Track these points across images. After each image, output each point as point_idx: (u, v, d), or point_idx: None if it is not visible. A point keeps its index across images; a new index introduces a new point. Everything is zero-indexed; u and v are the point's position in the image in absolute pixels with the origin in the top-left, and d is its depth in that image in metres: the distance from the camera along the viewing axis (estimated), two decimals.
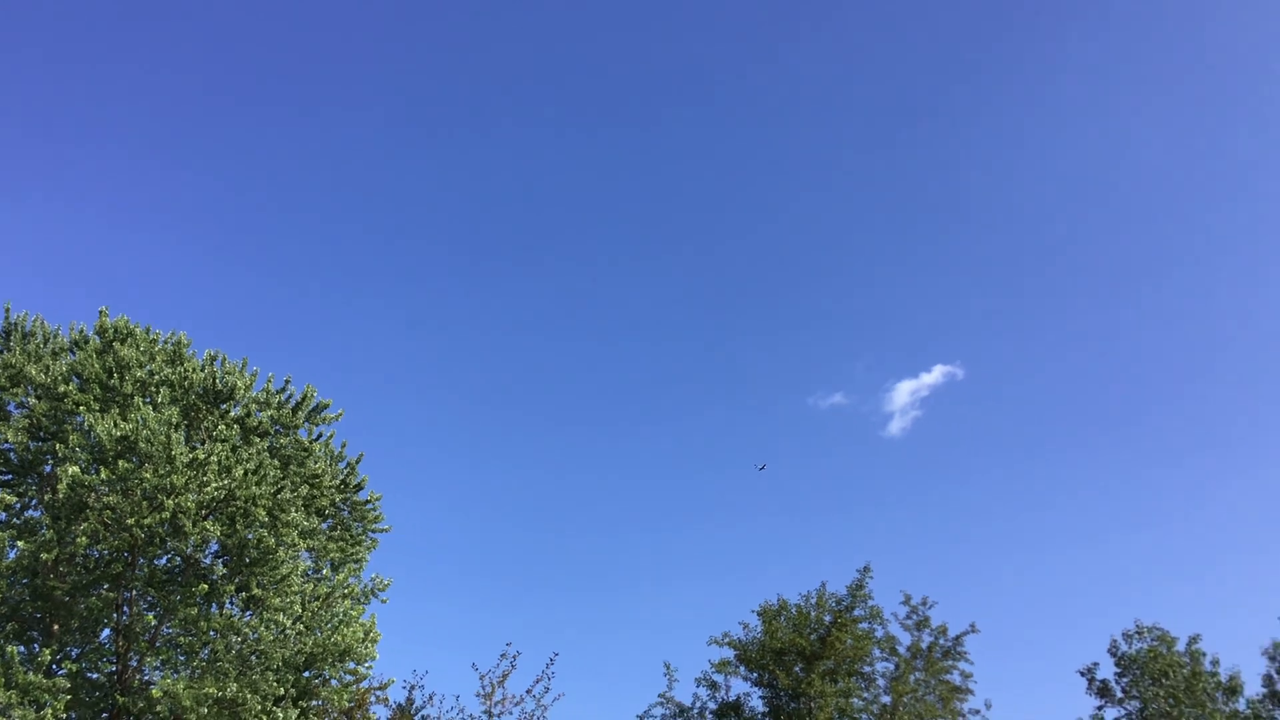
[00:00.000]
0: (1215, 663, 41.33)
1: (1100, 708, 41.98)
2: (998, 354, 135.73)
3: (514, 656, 33.34)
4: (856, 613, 40.21)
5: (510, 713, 32.24)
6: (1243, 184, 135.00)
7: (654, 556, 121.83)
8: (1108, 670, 42.25)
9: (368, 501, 36.73)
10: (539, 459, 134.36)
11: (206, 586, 29.04)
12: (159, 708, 27.27)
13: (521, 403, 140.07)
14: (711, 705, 40.42)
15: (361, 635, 31.33)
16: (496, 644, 49.15)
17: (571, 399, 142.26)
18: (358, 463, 36.40)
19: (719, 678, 40.55)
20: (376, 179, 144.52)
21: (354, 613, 31.97)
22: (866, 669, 40.44)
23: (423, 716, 34.76)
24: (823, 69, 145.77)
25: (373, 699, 34.46)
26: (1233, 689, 40.83)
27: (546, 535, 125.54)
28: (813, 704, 37.86)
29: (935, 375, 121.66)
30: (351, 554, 35.44)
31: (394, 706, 35.25)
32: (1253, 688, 41.12)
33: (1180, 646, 41.47)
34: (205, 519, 28.98)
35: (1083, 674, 42.74)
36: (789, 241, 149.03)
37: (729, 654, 40.55)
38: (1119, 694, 41.33)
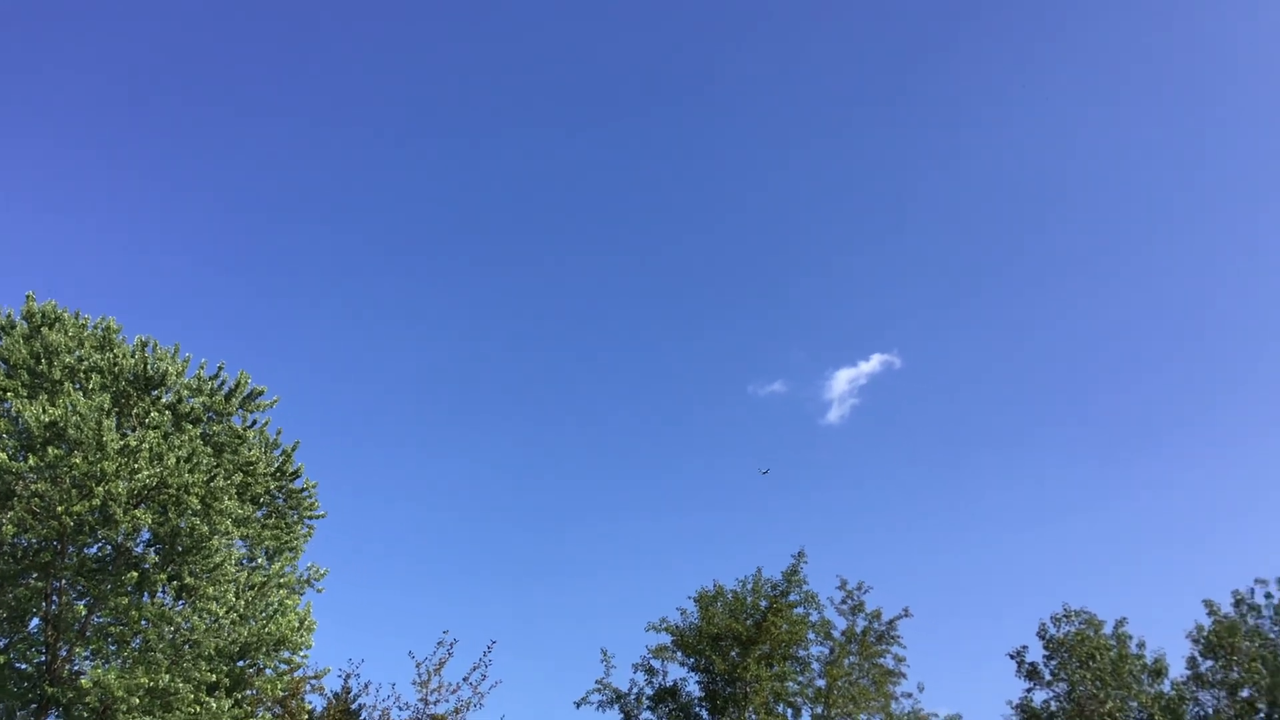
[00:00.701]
0: (1141, 645, 42.14)
1: (1029, 690, 42.61)
2: (935, 344, 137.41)
3: (451, 644, 33.25)
4: (792, 598, 40.57)
5: (447, 700, 32.14)
6: (1182, 180, 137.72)
7: (595, 544, 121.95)
8: (1037, 653, 42.93)
9: (304, 489, 36.42)
10: (479, 449, 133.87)
11: (138, 575, 28.66)
12: (89, 698, 26.91)
13: (462, 393, 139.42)
14: (648, 690, 40.63)
15: (297, 624, 31.13)
16: (434, 633, 49.07)
17: (511, 390, 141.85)
18: (294, 450, 36.10)
19: (656, 663, 40.80)
20: (321, 171, 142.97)
21: (289, 602, 31.74)
22: (801, 653, 40.84)
23: (359, 705, 34.58)
24: (763, 67, 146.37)
25: (308, 688, 34.22)
26: (1158, 671, 41.64)
27: (485, 524, 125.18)
28: (748, 688, 38.18)
29: (873, 364, 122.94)
30: (287, 542, 35.15)
31: (329, 695, 35.04)
32: (1177, 670, 42.08)
33: (1107, 630, 42.23)
34: (136, 507, 28.58)
35: (1012, 657, 43.35)
36: (731, 232, 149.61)
37: (666, 640, 40.77)
38: (1047, 676, 41.99)
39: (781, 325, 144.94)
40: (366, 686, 34.33)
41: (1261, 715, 39.55)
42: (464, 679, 32.74)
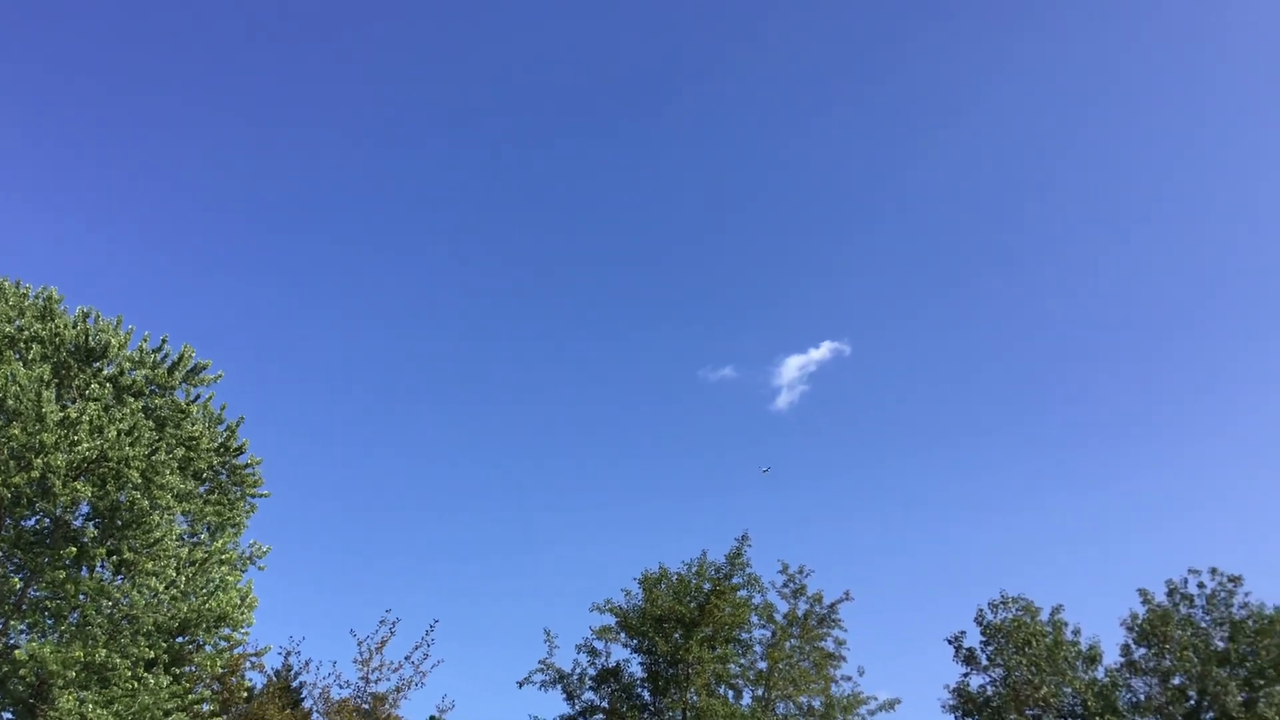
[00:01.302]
0: (1076, 632, 42.89)
1: (966, 674, 43.22)
2: (885, 333, 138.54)
3: (393, 624, 33.22)
4: (735, 580, 40.85)
5: (388, 679, 32.11)
6: (1122, 178, 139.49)
7: (541, 527, 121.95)
8: (975, 639, 43.53)
9: (247, 465, 36.04)
10: (426, 431, 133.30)
11: (76, 549, 28.28)
12: (24, 671, 26.53)
13: (409, 375, 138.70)
14: (591, 671, 40.80)
15: (238, 601, 30.87)
16: (378, 612, 48.86)
17: (459, 373, 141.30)
18: (237, 426, 35.70)
19: (600, 644, 40.99)
20: (262, 150, 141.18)
21: (230, 578, 31.45)
22: (744, 635, 41.15)
23: (299, 683, 34.42)
24: (719, 61, 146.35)
25: (247, 665, 34.02)
26: (1092, 658, 42.38)
27: (431, 506, 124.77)
28: (690, 670, 38.43)
29: (823, 351, 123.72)
30: (229, 518, 34.77)
31: (269, 673, 34.84)
32: (1111, 657, 42.84)
33: (1044, 617, 42.92)
34: (76, 479, 28.18)
35: (950, 642, 43.96)
36: (684, 218, 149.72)
37: (610, 621, 40.94)
38: (984, 661, 42.60)
39: (733, 311, 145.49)
40: (307, 664, 34.28)
41: (1192, 702, 40.39)
42: (406, 658, 32.77)
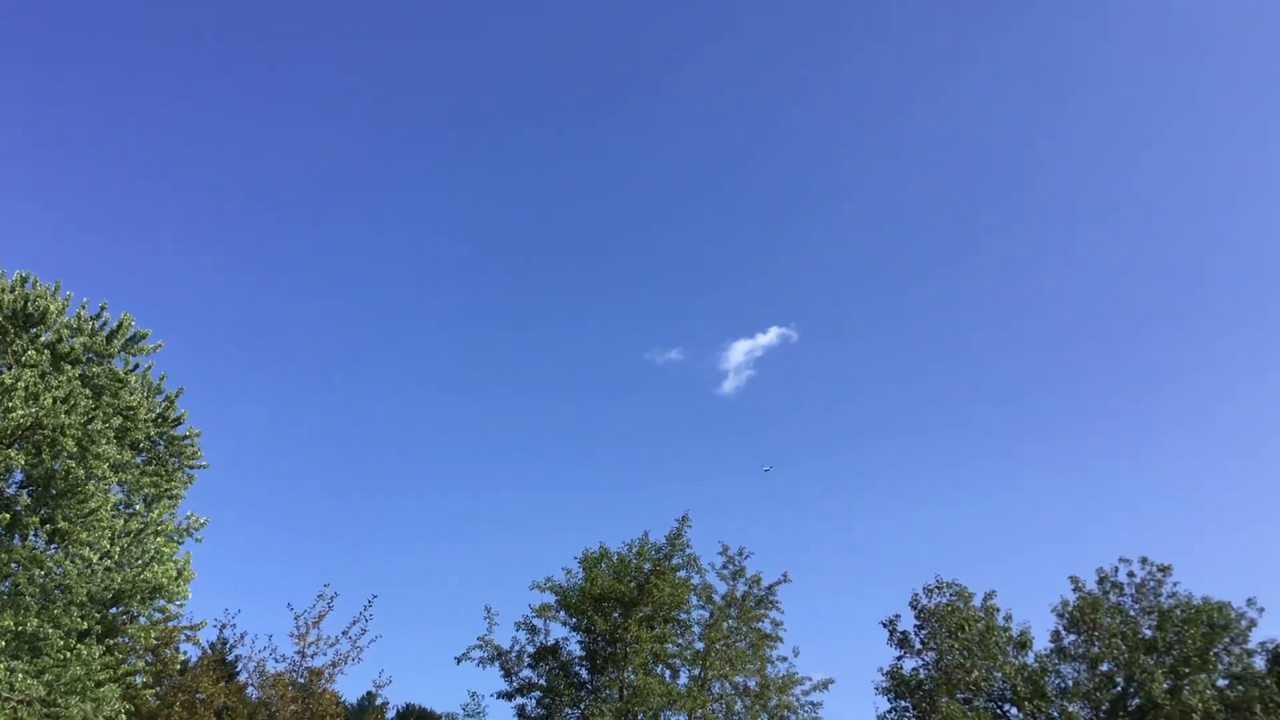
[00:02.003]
0: (1008, 618, 43.57)
1: (899, 658, 43.79)
2: (832, 320, 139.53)
3: (331, 598, 33.07)
4: (675, 561, 41.04)
5: (325, 653, 31.97)
6: (1079, 172, 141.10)
7: (484, 505, 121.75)
8: (909, 622, 44.08)
9: (186, 437, 35.63)
10: (369, 409, 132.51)
11: (9, 517, 27.85)
12: None
13: (350, 353, 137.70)
14: (530, 648, 40.88)
15: (174, 573, 30.56)
16: (316, 587, 48.54)
17: (401, 350, 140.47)
18: (176, 396, 35.25)
19: (539, 622, 41.05)
20: (206, 125, 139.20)
21: (166, 550, 31.11)
22: (682, 616, 41.39)
23: (235, 656, 34.21)
24: (677, 44, 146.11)
25: (182, 638, 33.72)
26: (1023, 643, 43.09)
27: (373, 483, 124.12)
28: (628, 649, 38.61)
29: (771, 336, 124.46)
30: (166, 490, 34.34)
31: (204, 646, 34.56)
32: (1041, 642, 43.59)
33: (977, 602, 43.55)
34: (10, 447, 27.76)
35: (885, 625, 44.50)
36: (635, 201, 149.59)
37: (550, 599, 41.02)
38: (917, 645, 43.18)
39: (681, 294, 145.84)
40: (243, 637, 34.06)
41: (1118, 689, 41.20)
42: (343, 633, 32.63)
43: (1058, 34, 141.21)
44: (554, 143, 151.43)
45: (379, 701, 35.93)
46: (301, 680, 30.96)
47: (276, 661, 31.79)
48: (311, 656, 31.39)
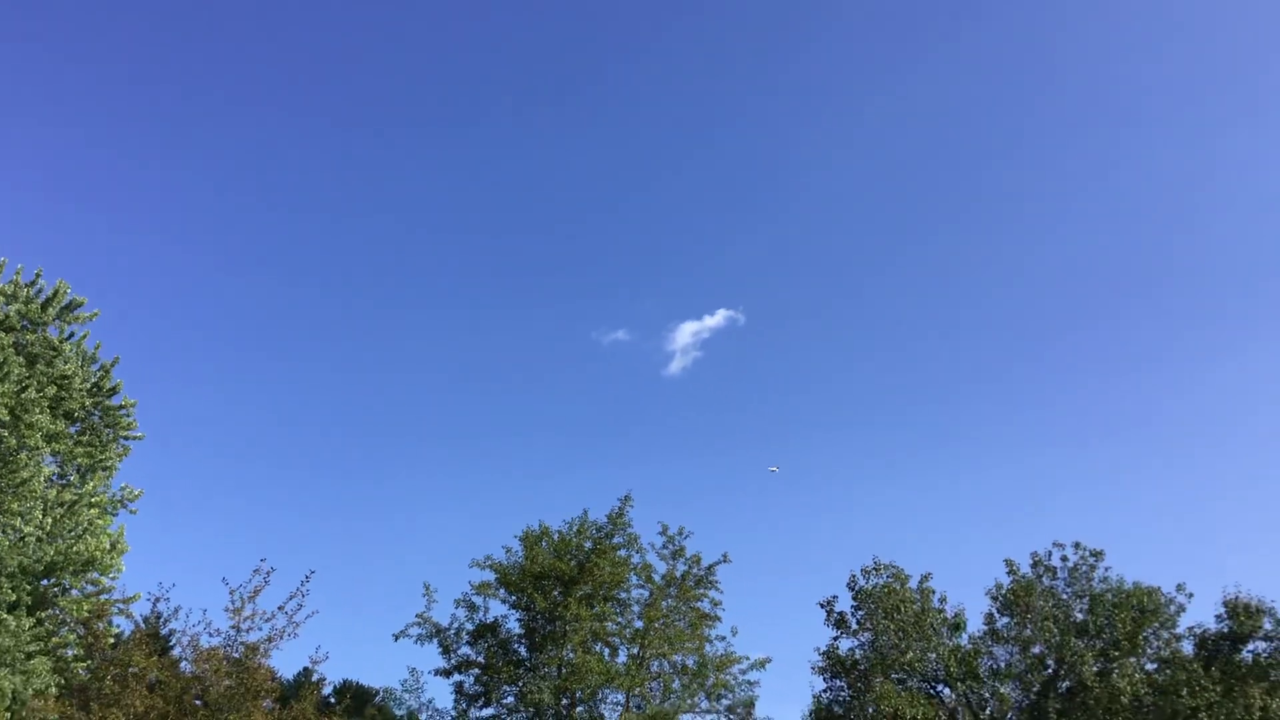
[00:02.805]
0: (943, 600, 44.05)
1: (836, 638, 44.15)
2: (779, 303, 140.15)
3: (268, 573, 32.54)
4: (616, 540, 41.12)
5: (260, 629, 31.55)
6: (1017, 158, 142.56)
7: (425, 482, 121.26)
8: (846, 603, 44.44)
9: (121, 407, 35.14)
10: (316, 380, 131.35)
11: None
12: None
13: (290, 324, 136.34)
14: (469, 626, 40.81)
15: (108, 546, 30.23)
16: (253, 562, 48.06)
17: (349, 323, 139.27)
18: (112, 366, 34.79)
19: (478, 599, 40.98)
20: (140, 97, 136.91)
21: (100, 522, 30.78)
22: (622, 595, 41.51)
23: (169, 630, 33.79)
24: (628, 33, 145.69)
25: (115, 611, 33.26)
26: (957, 625, 43.60)
27: (313, 457, 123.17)
28: (568, 627, 38.67)
29: (718, 318, 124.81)
30: (101, 461, 33.91)
31: (137, 619, 34.10)
32: (975, 624, 44.16)
33: (913, 584, 43.99)
34: None
35: (822, 606, 44.78)
36: (585, 179, 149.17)
37: (490, 577, 40.94)
38: (854, 626, 43.55)
39: (629, 275, 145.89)
40: (176, 611, 33.51)
41: (1049, 671, 41.90)
42: (280, 608, 32.18)
43: (1013, 24, 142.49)
44: (502, 123, 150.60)
45: (315, 678, 35.55)
46: (237, 655, 30.58)
47: (211, 636, 31.33)
48: (247, 631, 30.97)
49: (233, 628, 31.31)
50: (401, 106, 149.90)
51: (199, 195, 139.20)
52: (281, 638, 31.50)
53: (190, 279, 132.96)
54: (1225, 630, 42.54)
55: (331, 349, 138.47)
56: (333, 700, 43.07)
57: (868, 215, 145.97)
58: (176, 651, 32.99)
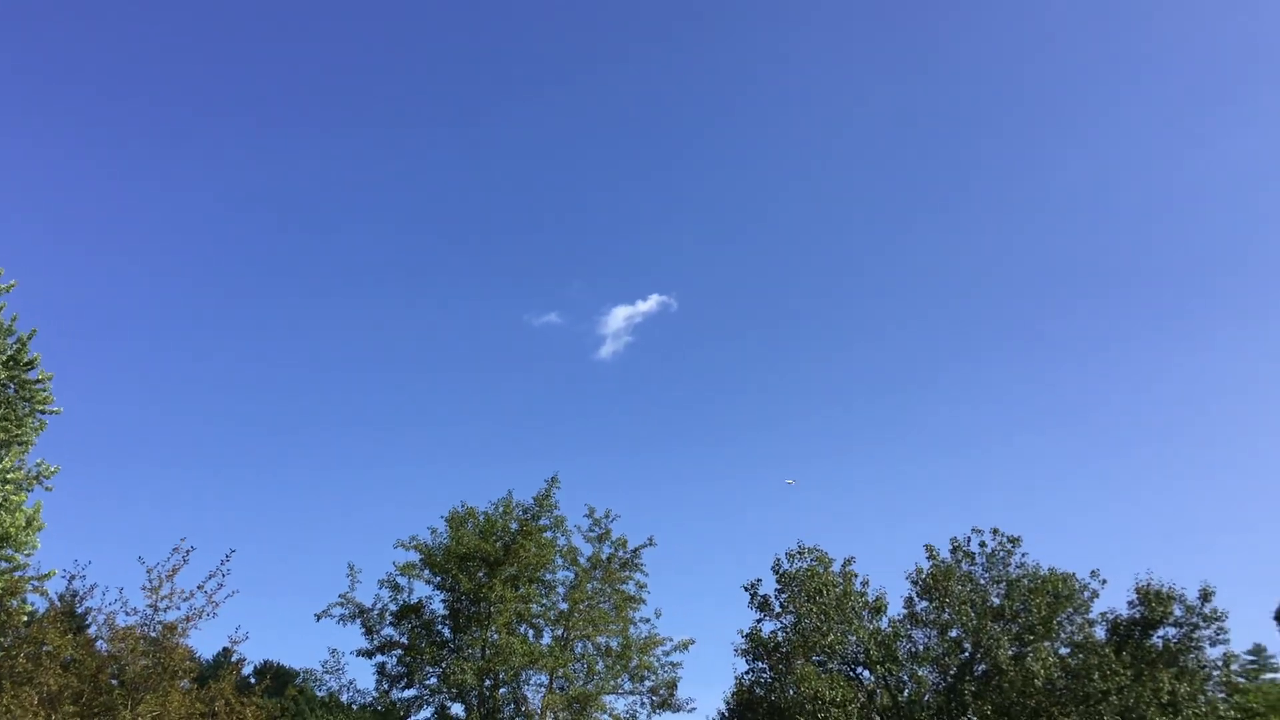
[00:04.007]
0: (865, 584, 44.66)
1: (759, 620, 44.58)
2: (711, 290, 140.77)
3: (187, 552, 32.16)
4: (542, 522, 41.17)
5: (178, 608, 31.18)
6: (935, 143, 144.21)
7: (356, 463, 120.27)
8: (771, 586, 44.82)
9: (38, 380, 34.37)
10: (243, 361, 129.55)
11: None
12: None
13: (221, 306, 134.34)
14: (392, 607, 40.68)
15: (23, 522, 29.63)
16: (172, 541, 47.40)
17: (265, 292, 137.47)
18: (29, 339, 33.95)
19: (403, 580, 40.87)
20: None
21: (16, 498, 30.13)
22: (548, 576, 41.63)
23: (85, 609, 33.25)
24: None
25: (29, 588, 32.63)
26: (878, 608, 44.24)
27: (240, 436, 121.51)
28: (492, 608, 38.67)
29: (651, 304, 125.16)
30: (16, 435, 33.16)
31: (53, 598, 33.49)
32: (896, 608, 44.84)
33: (836, 568, 44.51)
34: None
35: (747, 589, 45.16)
36: (519, 161, 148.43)
37: (415, 558, 40.82)
38: (778, 608, 44.01)
39: (562, 258, 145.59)
40: (93, 589, 32.97)
41: (966, 654, 42.65)
42: (199, 587, 31.82)
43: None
44: (435, 107, 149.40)
45: (235, 658, 35.20)
46: (154, 634, 30.20)
47: (128, 615, 30.90)
48: (164, 611, 30.59)
49: (150, 607, 30.93)
50: (334, 93, 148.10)
51: (114, 181, 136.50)
52: (200, 617, 31.17)
53: (110, 256, 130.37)
54: (1137, 616, 43.57)
55: (257, 331, 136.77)
56: (253, 681, 42.78)
57: (802, 205, 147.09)
58: (93, 630, 32.53)
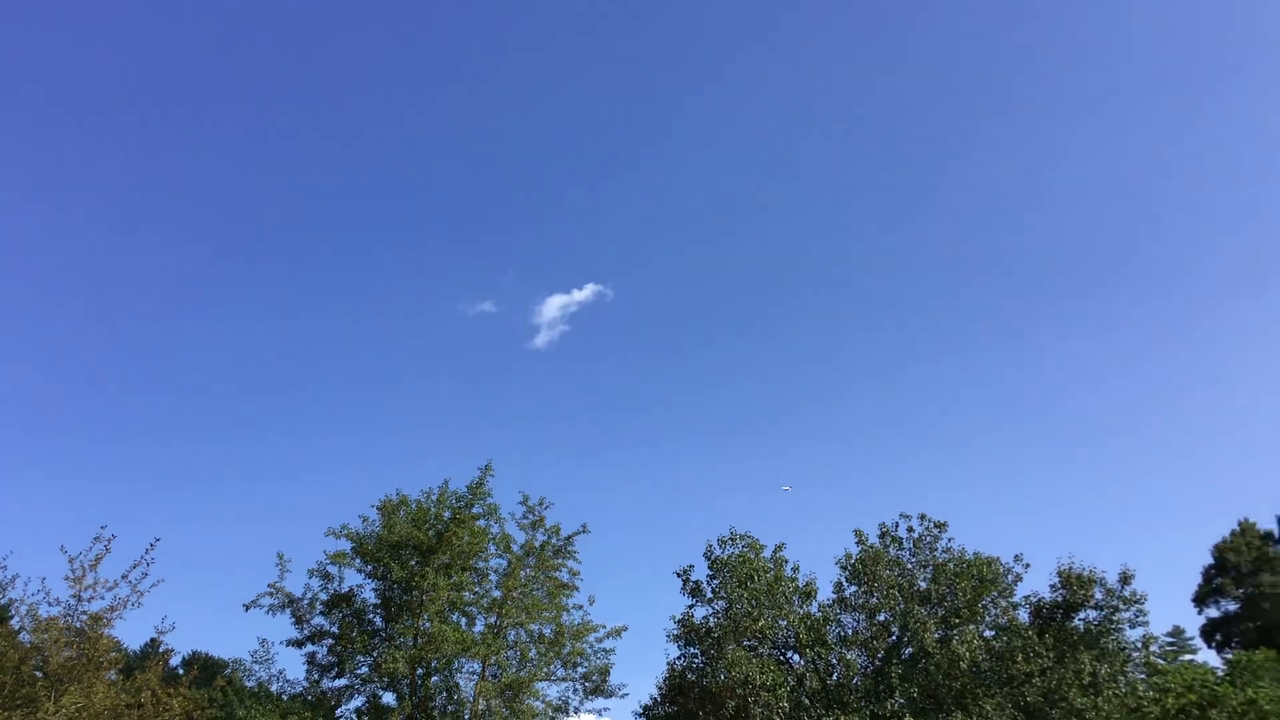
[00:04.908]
0: (795, 569, 45.09)
1: (691, 606, 44.86)
2: (647, 280, 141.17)
3: (109, 540, 31.74)
4: (475, 510, 41.11)
5: (102, 598, 30.81)
6: (881, 127, 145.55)
7: (285, 452, 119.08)
8: (703, 572, 45.12)
9: None
10: (173, 344, 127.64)
11: None
12: None
13: (151, 289, 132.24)
14: (323, 596, 40.46)
15: None
16: (94, 530, 46.71)
17: (208, 284, 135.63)
18: None
19: (334, 569, 40.62)
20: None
21: None
22: (481, 564, 41.60)
23: (6, 600, 32.71)
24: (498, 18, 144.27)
25: None
26: (808, 593, 44.68)
27: (165, 423, 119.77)
28: (425, 596, 38.62)
29: (586, 293, 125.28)
30: None
31: None
32: (825, 593, 45.32)
33: (767, 554, 44.91)
34: None
35: (679, 575, 45.42)
36: (453, 148, 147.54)
37: (346, 546, 40.62)
38: (709, 594, 44.32)
39: (496, 246, 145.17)
40: (14, 580, 32.45)
41: (894, 638, 43.27)
42: (123, 576, 31.45)
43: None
44: (366, 87, 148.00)
45: (162, 648, 34.91)
46: (79, 625, 29.82)
47: (51, 605, 30.48)
48: (88, 600, 30.22)
49: (73, 597, 30.58)
50: (259, 81, 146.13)
51: (65, 154, 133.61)
52: (125, 607, 30.87)
53: (22, 225, 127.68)
54: (1059, 599, 44.39)
55: (183, 316, 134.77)
56: (180, 671, 42.32)
57: (743, 196, 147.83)
58: (15, 622, 32.01)
